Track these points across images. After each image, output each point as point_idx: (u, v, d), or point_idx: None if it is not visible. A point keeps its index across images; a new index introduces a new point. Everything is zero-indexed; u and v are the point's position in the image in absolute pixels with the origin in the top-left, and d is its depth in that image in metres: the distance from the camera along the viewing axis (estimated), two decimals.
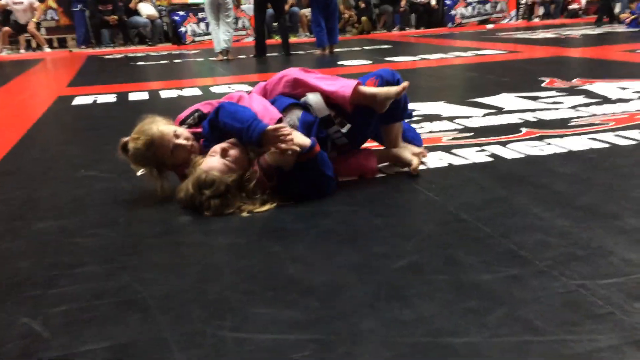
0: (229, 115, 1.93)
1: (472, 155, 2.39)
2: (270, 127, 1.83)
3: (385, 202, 1.94)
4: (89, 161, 2.61)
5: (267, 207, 1.87)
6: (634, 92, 3.61)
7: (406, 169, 2.20)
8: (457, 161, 2.33)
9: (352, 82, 2.02)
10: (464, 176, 2.14)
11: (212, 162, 1.88)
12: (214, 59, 7.79)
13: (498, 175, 2.12)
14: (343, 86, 2.02)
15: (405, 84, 2.05)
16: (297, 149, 1.82)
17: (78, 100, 4.62)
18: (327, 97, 2.04)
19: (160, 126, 2.00)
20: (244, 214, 1.83)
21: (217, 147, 1.92)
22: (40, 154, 2.89)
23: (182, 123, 2.14)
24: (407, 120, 2.37)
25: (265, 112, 1.98)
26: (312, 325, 1.18)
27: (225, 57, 7.65)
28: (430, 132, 2.85)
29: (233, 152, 1.90)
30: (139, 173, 2.14)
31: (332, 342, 1.12)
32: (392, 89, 2.03)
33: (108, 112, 4.06)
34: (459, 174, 2.17)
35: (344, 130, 2.05)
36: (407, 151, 2.21)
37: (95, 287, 1.40)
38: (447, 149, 2.51)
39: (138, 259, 1.58)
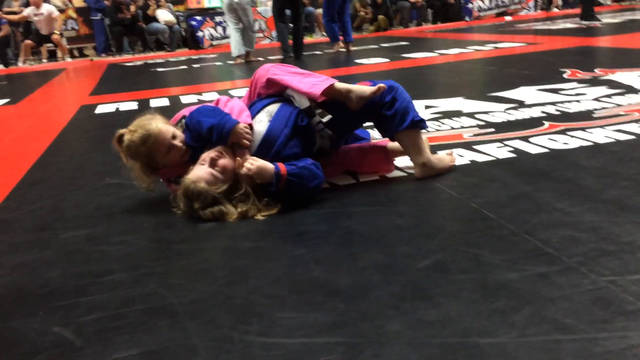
0: (204, 113, 2.00)
1: (495, 151, 2.37)
2: (241, 124, 1.94)
3: (407, 201, 1.93)
4: (114, 169, 2.64)
5: (272, 210, 1.88)
6: None
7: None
8: (479, 158, 2.31)
9: (325, 83, 2.00)
10: (487, 173, 2.12)
11: (200, 172, 1.90)
12: (232, 62, 7.84)
13: (522, 171, 2.09)
14: (314, 85, 2.01)
15: (381, 85, 2.00)
16: (247, 171, 1.85)
17: (101, 109, 4.70)
18: None
19: (160, 124, 2.02)
20: (258, 217, 1.85)
21: (207, 156, 1.93)
22: (66, 163, 2.94)
23: None
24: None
25: (239, 116, 2.01)
26: (339, 328, 1.18)
27: (243, 61, 7.69)
28: (451, 128, 2.83)
29: (222, 162, 1.91)
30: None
31: (359, 344, 1.12)
32: (367, 89, 2.00)
33: (130, 119, 4.10)
34: (481, 171, 2.15)
35: (324, 120, 2.03)
36: (440, 161, 2.13)
37: (123, 295, 1.42)
38: (468, 145, 2.49)
39: (165, 265, 1.60)
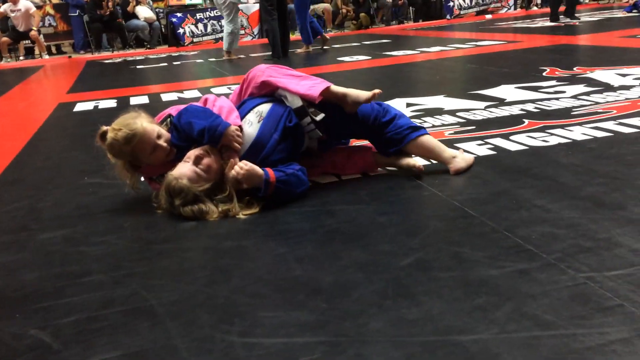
0: (194, 114, 1.97)
1: (475, 149, 2.39)
2: (233, 127, 1.91)
3: (389, 199, 1.94)
4: (93, 168, 2.61)
5: (254, 209, 1.87)
6: (634, 78, 3.59)
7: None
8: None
9: (322, 85, 2.01)
10: (468, 170, 2.13)
11: (183, 169, 1.88)
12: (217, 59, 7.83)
13: (502, 168, 2.11)
14: (312, 87, 2.01)
15: (376, 90, 2.03)
16: (237, 174, 1.84)
17: (79, 107, 4.63)
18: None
19: (144, 123, 1.99)
20: (240, 216, 1.84)
21: (192, 154, 1.91)
22: (43, 162, 2.90)
23: None
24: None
25: (228, 116, 1.99)
26: (321, 327, 1.18)
27: (227, 58, 7.71)
28: (433, 126, 2.85)
29: (206, 161, 1.89)
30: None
31: (341, 343, 1.12)
32: (363, 93, 2.03)
33: (109, 117, 4.04)
34: None
35: (317, 118, 2.02)
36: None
37: (103, 296, 1.41)
38: (449, 143, 2.50)
39: (145, 265, 1.58)
